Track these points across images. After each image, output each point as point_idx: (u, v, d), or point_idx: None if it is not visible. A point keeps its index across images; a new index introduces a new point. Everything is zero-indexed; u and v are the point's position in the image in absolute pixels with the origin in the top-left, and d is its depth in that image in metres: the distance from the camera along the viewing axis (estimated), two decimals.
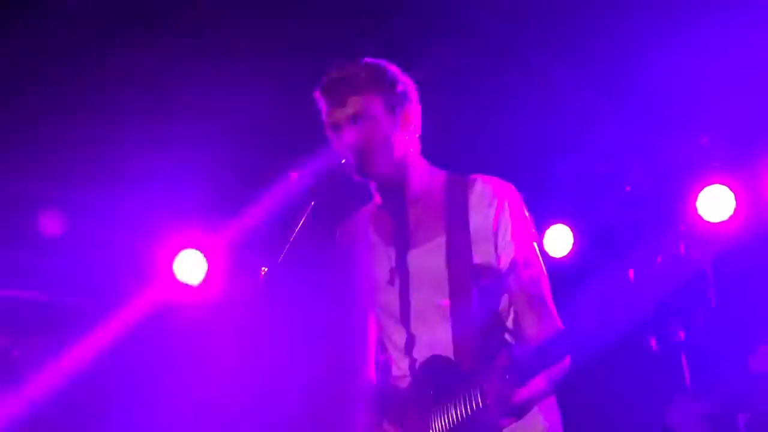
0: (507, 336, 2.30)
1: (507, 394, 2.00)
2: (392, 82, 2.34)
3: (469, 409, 2.05)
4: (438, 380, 2.18)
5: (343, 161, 2.29)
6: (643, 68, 4.63)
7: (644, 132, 5.03)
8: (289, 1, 4.05)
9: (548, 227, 5.68)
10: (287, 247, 2.26)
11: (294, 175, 2.30)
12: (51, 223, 5.05)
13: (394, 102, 2.32)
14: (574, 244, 5.64)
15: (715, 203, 4.91)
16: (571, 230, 5.68)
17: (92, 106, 4.49)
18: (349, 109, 2.28)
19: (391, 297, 2.33)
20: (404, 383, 2.32)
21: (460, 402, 2.08)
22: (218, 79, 4.42)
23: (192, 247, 5.25)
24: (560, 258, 5.62)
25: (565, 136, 5.20)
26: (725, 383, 4.89)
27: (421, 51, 3.88)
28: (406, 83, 2.38)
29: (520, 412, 2.07)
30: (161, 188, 4.92)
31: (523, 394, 2.02)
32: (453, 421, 2.09)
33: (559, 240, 5.66)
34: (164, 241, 5.25)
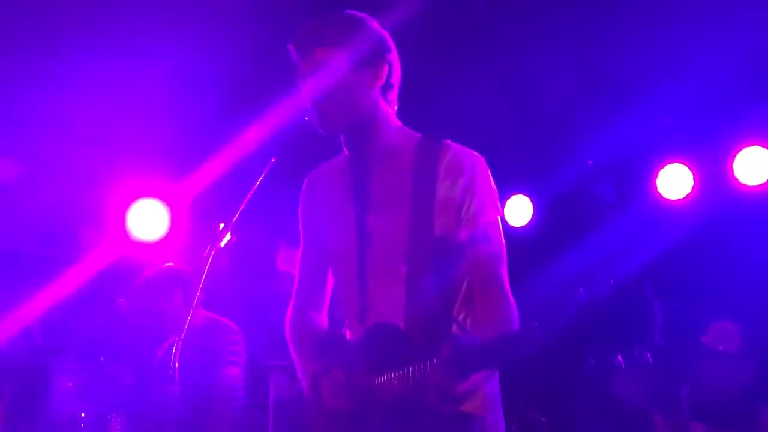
0: (461, 311, 2.26)
1: (449, 385, 1.96)
2: (364, 36, 2.27)
3: (412, 386, 2.04)
4: (387, 347, 2.15)
5: (306, 117, 2.24)
6: (608, 44, 4.64)
7: (608, 107, 5.05)
8: None
9: (509, 197, 5.72)
10: (244, 204, 2.20)
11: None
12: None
13: (364, 56, 2.25)
14: (533, 214, 5.70)
15: (675, 181, 4.99)
16: (531, 201, 5.73)
17: (34, 40, 4.33)
18: (314, 61, 2.24)
19: (349, 255, 2.29)
20: (355, 344, 2.30)
21: (404, 376, 2.07)
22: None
23: (151, 196, 4.93)
24: (520, 227, 5.67)
25: (528, 107, 5.22)
26: (670, 355, 5.01)
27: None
28: (381, 39, 2.31)
29: (462, 398, 2.03)
30: (115, 129, 4.70)
31: (465, 385, 1.98)
32: (396, 391, 2.08)
33: (519, 210, 5.71)
34: (118, 188, 4.92)
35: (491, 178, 2.29)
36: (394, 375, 2.09)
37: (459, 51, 4.79)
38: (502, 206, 5.61)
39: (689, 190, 4.95)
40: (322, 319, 2.46)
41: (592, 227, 5.02)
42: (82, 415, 4.57)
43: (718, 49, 4.55)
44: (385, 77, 2.29)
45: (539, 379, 4.83)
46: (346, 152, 2.38)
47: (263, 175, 2.24)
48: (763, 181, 4.67)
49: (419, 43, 4.42)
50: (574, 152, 5.34)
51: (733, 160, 4.79)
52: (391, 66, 2.31)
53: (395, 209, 2.24)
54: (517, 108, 5.20)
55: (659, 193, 5.04)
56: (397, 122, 2.36)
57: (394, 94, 2.36)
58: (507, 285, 2.25)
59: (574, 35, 4.61)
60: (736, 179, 4.77)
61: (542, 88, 5.04)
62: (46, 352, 4.87)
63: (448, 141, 2.30)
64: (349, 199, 2.33)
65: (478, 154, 2.29)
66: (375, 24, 2.33)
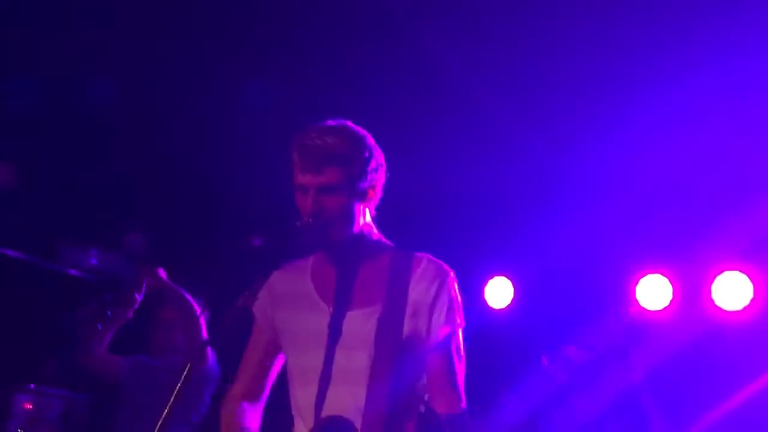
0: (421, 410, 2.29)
1: None
2: (367, 158, 2.38)
3: None
4: None
5: (300, 224, 2.29)
6: (596, 134, 4.76)
7: (588, 202, 5.14)
8: None
9: (490, 279, 5.79)
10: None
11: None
12: None
13: (365, 177, 2.36)
14: (514, 296, 5.76)
15: (654, 292, 5.09)
16: (512, 282, 5.80)
17: None
18: (321, 179, 2.31)
19: (316, 351, 2.35)
20: None
21: None
22: None
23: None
24: (500, 309, 5.73)
25: (509, 189, 5.30)
26: None
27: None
28: (379, 158, 2.42)
29: None
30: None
31: None
32: None
33: (499, 292, 5.77)
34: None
35: (457, 291, 2.40)
36: None
37: (438, 125, 4.88)
38: (482, 288, 5.72)
39: (668, 302, 5.05)
40: (257, 414, 2.51)
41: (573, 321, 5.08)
42: None
43: (707, 162, 4.68)
44: (378, 192, 2.43)
45: None
46: (323, 255, 2.45)
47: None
48: (740, 308, 4.77)
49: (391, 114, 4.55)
50: (554, 235, 5.42)
51: (712, 282, 4.90)
52: (381, 181, 2.44)
53: (367, 312, 2.33)
54: (496, 189, 5.29)
55: (638, 301, 5.14)
56: (374, 229, 2.47)
57: (374, 204, 2.46)
58: (460, 391, 2.33)
59: (564, 115, 4.72)
60: (713, 302, 4.88)
61: (522, 166, 5.14)
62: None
63: (421, 254, 2.42)
64: (322, 299, 2.40)
65: (448, 267, 2.41)
66: (372, 140, 2.42)
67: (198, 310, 4.29)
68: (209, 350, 4.29)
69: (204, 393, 4.31)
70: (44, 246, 5.73)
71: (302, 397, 2.36)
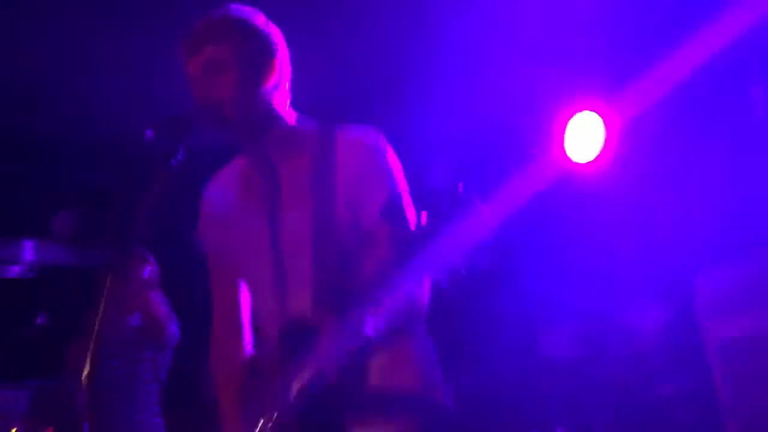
0: None
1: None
2: (254, 32, 2.22)
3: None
4: (295, 351, 2.09)
5: (196, 111, 2.15)
6: None
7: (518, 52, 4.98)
8: None
9: None
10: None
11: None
12: None
13: (255, 52, 2.21)
14: None
15: (585, 132, 4.76)
16: None
17: None
18: (201, 57, 2.18)
19: (263, 262, 2.24)
20: (272, 353, 2.23)
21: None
22: None
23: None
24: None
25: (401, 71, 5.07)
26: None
27: None
28: (270, 33, 2.26)
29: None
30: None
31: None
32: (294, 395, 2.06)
33: None
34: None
35: (391, 153, 2.22)
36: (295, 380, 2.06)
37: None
38: None
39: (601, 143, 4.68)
40: (244, 346, 2.37)
41: None
42: None
43: None
44: (276, 74, 2.24)
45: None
46: (242, 156, 2.33)
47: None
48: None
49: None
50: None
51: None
52: (281, 62, 2.26)
53: (300, 210, 2.20)
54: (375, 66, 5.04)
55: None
56: (291, 114, 2.29)
57: (285, 88, 2.29)
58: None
59: None
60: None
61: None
62: None
63: (342, 125, 2.25)
64: (256, 206, 2.28)
65: (374, 131, 2.23)
66: (263, 20, 2.27)
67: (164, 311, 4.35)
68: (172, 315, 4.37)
69: (170, 353, 4.43)
70: None
71: (265, 306, 2.27)
